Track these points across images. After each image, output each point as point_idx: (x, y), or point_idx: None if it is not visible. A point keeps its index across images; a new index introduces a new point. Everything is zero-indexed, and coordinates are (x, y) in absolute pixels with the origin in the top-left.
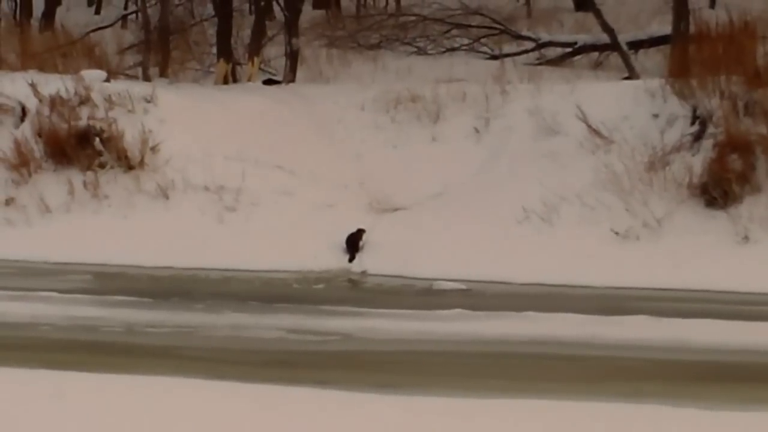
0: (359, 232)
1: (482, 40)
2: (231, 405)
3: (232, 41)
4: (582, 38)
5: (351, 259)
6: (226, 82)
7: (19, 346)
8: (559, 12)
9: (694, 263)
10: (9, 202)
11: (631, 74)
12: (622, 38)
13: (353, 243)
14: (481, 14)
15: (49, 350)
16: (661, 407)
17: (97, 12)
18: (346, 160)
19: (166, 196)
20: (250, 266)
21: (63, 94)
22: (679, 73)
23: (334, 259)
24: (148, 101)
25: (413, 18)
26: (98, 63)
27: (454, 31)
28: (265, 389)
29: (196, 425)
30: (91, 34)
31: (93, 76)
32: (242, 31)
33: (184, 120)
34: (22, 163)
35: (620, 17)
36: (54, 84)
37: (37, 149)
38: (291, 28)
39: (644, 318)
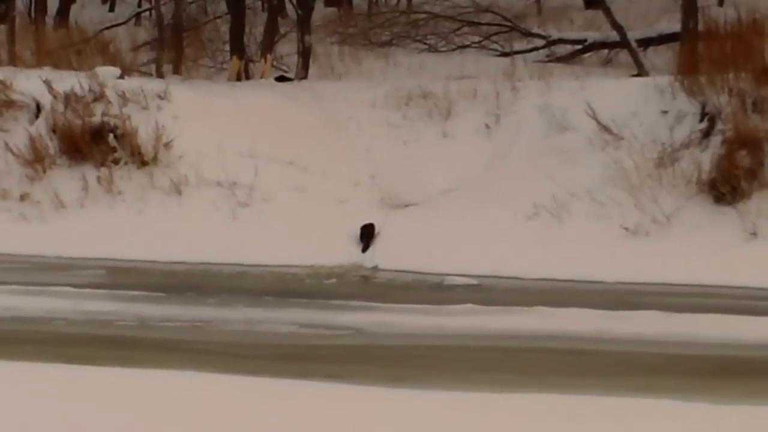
0: (372, 225)
1: (493, 38)
2: (243, 399)
3: (245, 38)
4: (592, 36)
5: (365, 249)
6: (239, 78)
7: (33, 341)
8: (569, 9)
9: (702, 259)
10: (24, 197)
11: (641, 71)
12: (632, 36)
13: (368, 233)
14: (492, 12)
15: (63, 344)
16: (671, 402)
17: (111, 9)
18: (357, 156)
19: (179, 192)
20: (262, 261)
21: (77, 90)
22: (688, 70)
23: (346, 255)
24: (162, 98)
25: (424, 15)
26: (112, 60)
27: (465, 29)
28: (277, 383)
29: (208, 419)
30: (105, 32)
31: (107, 72)
32: (255, 29)
33: (198, 116)
34: (36, 159)
35: (629, 15)
36: (68, 81)
37: (51, 145)
38: (303, 25)
39: (654, 313)
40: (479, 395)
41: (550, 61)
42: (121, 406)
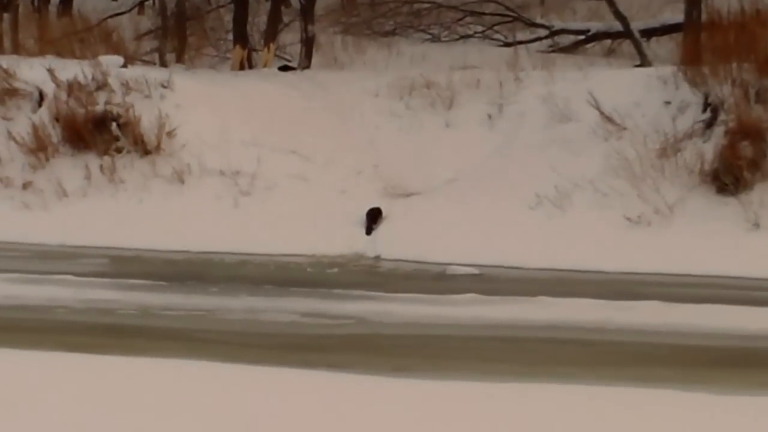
0: (379, 209)
1: (496, 28)
2: (244, 388)
3: (248, 28)
4: (595, 26)
5: (368, 232)
6: (242, 68)
7: (35, 329)
8: (572, 0)
9: (705, 249)
10: (26, 186)
11: (644, 62)
12: (635, 26)
13: (372, 217)
14: (495, 2)
15: (64, 332)
16: (673, 392)
17: None
18: (360, 146)
19: (182, 181)
20: (264, 250)
21: (80, 79)
22: (691, 60)
23: (349, 244)
24: (165, 87)
25: (427, 5)
26: (115, 49)
27: (468, 19)
28: (278, 372)
29: (209, 408)
30: (109, 20)
31: (110, 61)
32: (258, 18)
33: (200, 105)
34: (39, 148)
35: (633, 5)
36: (71, 69)
37: (54, 134)
38: (306, 14)
39: (656, 303)
40: (481, 385)
41: (553, 52)
42: (122, 394)
